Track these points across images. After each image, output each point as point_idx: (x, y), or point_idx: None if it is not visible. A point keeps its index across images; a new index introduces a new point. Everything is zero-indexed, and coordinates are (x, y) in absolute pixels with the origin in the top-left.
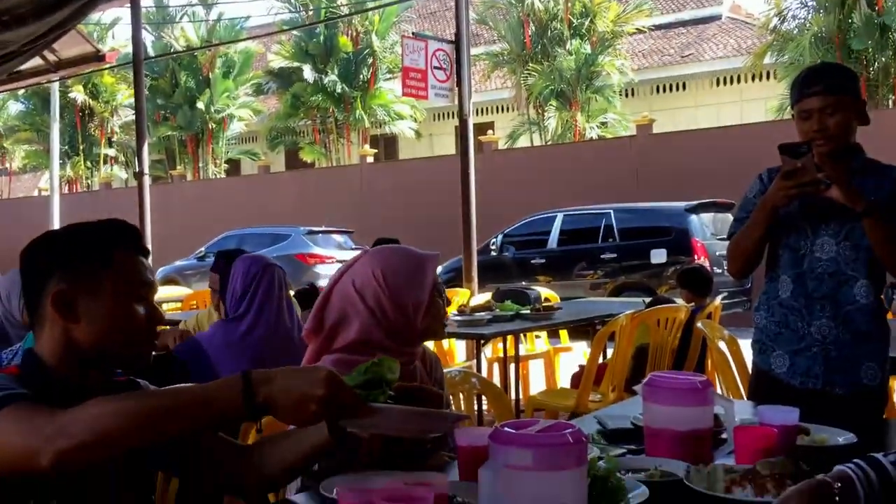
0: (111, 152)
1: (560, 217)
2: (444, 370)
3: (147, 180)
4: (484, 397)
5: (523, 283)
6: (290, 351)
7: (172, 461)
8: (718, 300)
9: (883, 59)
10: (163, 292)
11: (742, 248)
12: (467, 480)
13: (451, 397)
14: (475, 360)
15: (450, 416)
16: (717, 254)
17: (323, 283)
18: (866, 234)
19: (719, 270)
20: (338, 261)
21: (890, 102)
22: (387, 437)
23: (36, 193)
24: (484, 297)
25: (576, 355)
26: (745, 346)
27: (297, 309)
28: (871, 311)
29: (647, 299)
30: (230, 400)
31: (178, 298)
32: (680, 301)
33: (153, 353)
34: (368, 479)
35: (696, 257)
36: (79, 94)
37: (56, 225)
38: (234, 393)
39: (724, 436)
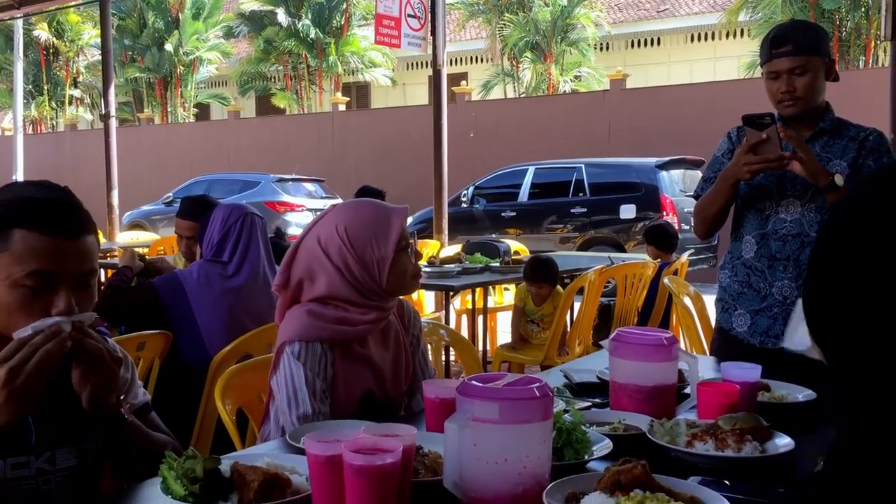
0: (77, 93)
1: (531, 170)
2: None
3: (114, 123)
4: (452, 349)
5: (493, 235)
6: (270, 299)
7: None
8: (685, 256)
9: (855, 18)
10: (129, 237)
11: (707, 213)
12: (434, 431)
13: (428, 348)
14: (444, 312)
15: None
16: (686, 210)
17: (292, 231)
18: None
19: (687, 227)
20: (308, 209)
21: (861, 63)
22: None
23: None
24: (454, 249)
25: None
26: (711, 301)
27: None
28: None
29: (614, 254)
30: None
31: (144, 244)
32: (646, 257)
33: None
34: (337, 430)
35: (664, 213)
36: (43, 33)
37: (20, 165)
38: None
39: (687, 391)
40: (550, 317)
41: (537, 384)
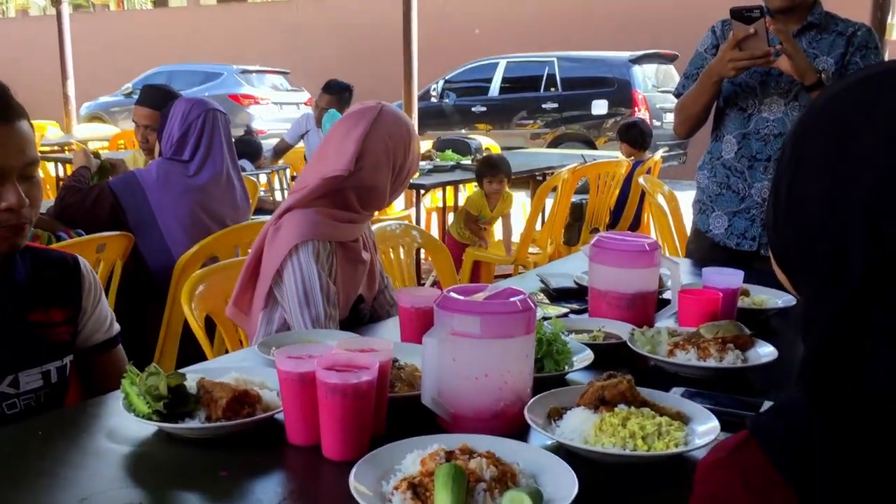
0: None
1: (503, 64)
2: (382, 223)
3: (66, 9)
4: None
5: (463, 131)
6: (234, 202)
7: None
8: (658, 155)
9: None
10: (88, 131)
11: (688, 112)
12: (409, 342)
13: (381, 259)
14: (414, 210)
15: None
16: (658, 106)
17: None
18: None
19: (658, 123)
20: (273, 102)
21: None
22: None
23: None
24: (424, 146)
25: (514, 206)
26: (682, 199)
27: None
28: None
29: (587, 152)
30: None
31: (104, 137)
32: (619, 155)
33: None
34: (309, 344)
35: (636, 109)
36: None
37: None
38: None
39: (665, 295)
40: (494, 221)
41: (519, 297)
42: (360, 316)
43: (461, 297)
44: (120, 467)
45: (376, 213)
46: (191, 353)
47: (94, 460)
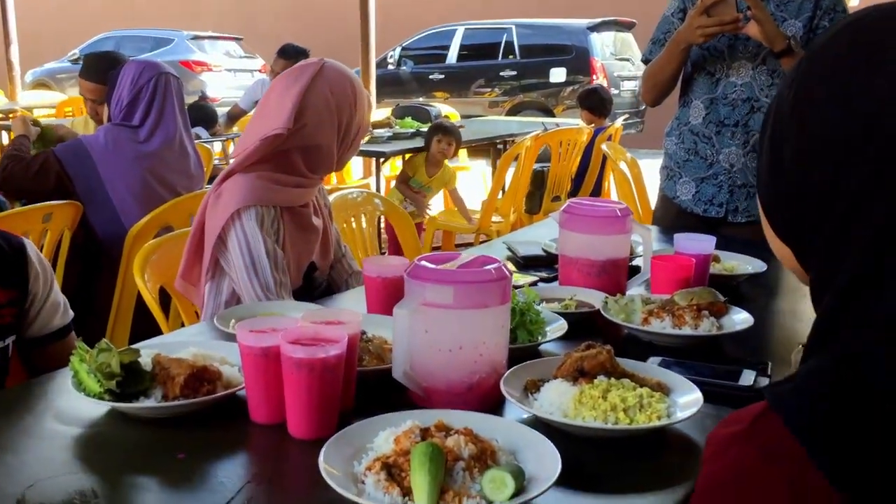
0: None
1: (460, 31)
2: (341, 191)
3: None
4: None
5: (421, 98)
6: (187, 170)
7: None
8: (619, 122)
9: None
10: (33, 98)
11: (656, 79)
12: (375, 313)
13: (338, 227)
14: (373, 179)
15: None
16: (616, 74)
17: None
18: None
19: (616, 91)
20: (226, 69)
21: None
22: None
23: None
24: (383, 114)
25: (474, 174)
26: (646, 167)
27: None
28: None
29: (547, 120)
30: None
31: (50, 105)
32: (579, 122)
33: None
34: (272, 317)
35: (594, 77)
36: None
37: None
38: None
39: (635, 262)
40: (434, 192)
41: (494, 265)
42: (314, 284)
43: (433, 266)
44: (69, 451)
45: (332, 178)
46: (145, 328)
47: (40, 444)
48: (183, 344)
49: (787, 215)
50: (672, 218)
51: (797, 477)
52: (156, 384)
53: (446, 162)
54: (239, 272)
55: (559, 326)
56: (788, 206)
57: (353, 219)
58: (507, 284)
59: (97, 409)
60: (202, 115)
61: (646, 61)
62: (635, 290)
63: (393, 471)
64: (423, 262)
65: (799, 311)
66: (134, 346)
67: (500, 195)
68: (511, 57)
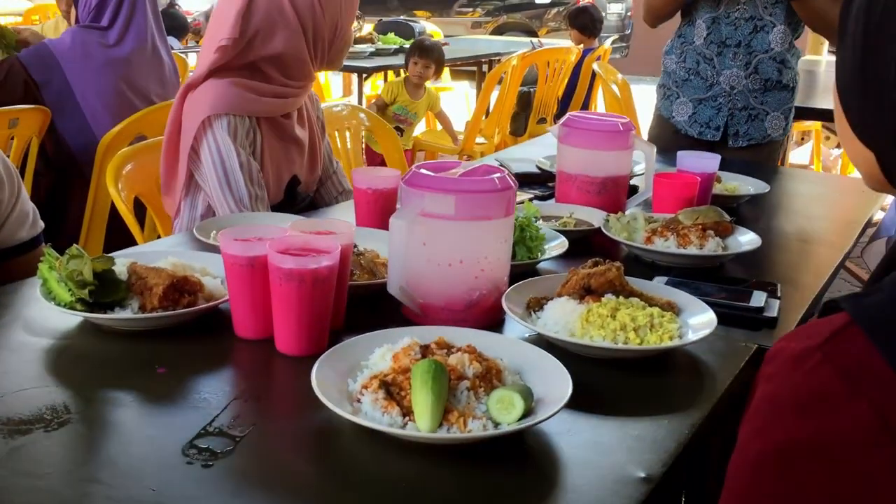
0: None
1: None
2: (325, 104)
3: None
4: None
5: (401, 17)
6: (161, 75)
7: None
8: (608, 43)
9: None
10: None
11: (657, 11)
12: (364, 226)
13: (330, 142)
14: (354, 98)
15: None
16: None
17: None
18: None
19: (603, 13)
20: None
21: None
22: None
23: None
24: (365, 29)
25: (457, 95)
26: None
27: None
28: (783, 59)
29: (535, 39)
30: None
31: (16, 12)
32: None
33: None
34: (255, 225)
35: (580, 0)
36: None
37: None
38: None
39: (634, 182)
40: (420, 118)
41: (498, 174)
42: (297, 199)
43: (432, 174)
44: (39, 363)
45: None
46: (119, 243)
47: (8, 356)
48: (161, 254)
49: (873, 117)
50: (667, 139)
51: (885, 402)
52: (132, 294)
53: (428, 84)
54: (212, 185)
55: (559, 244)
56: (877, 105)
57: (336, 133)
58: (512, 195)
59: (69, 320)
60: (173, 22)
61: None
62: (635, 209)
63: (392, 389)
64: (423, 170)
65: (805, 232)
66: (108, 255)
67: (484, 117)
68: None
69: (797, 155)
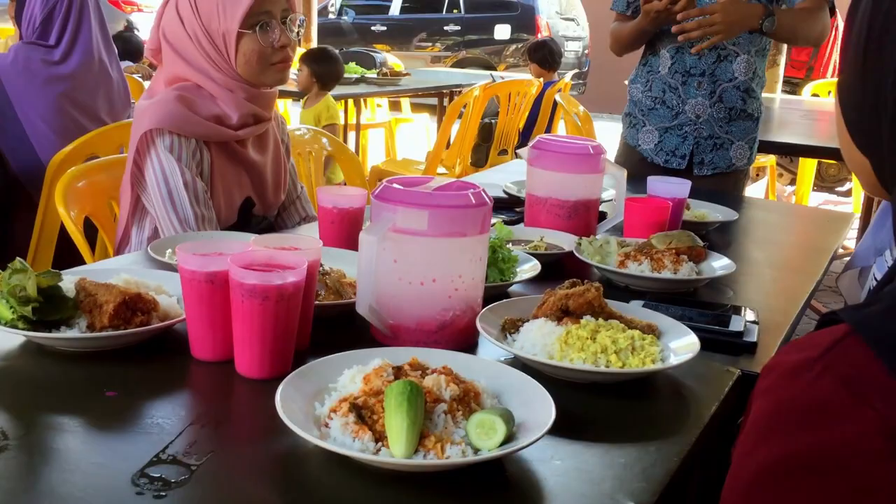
0: None
1: None
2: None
3: None
4: (333, 160)
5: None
6: (109, 94)
7: None
8: (568, 77)
9: None
10: None
11: (624, 40)
12: (329, 247)
13: (296, 166)
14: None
15: None
16: (560, 34)
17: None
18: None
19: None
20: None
21: None
22: None
23: None
24: None
25: (417, 127)
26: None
27: None
28: (747, 88)
29: (496, 73)
30: None
31: None
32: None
33: None
34: (215, 241)
35: (539, 35)
36: None
37: None
38: None
39: (603, 207)
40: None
41: (473, 190)
42: (251, 221)
43: (406, 189)
44: None
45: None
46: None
47: None
48: (113, 271)
49: (869, 125)
50: (633, 167)
51: (890, 411)
52: (80, 312)
53: (329, 97)
54: (157, 204)
55: (532, 266)
56: (873, 114)
57: (298, 157)
58: (488, 212)
59: (9, 339)
60: (128, 46)
61: (615, 9)
62: (606, 234)
63: (363, 412)
64: (395, 184)
65: (776, 259)
66: (55, 270)
67: (445, 148)
68: (455, 11)
69: (753, 190)
